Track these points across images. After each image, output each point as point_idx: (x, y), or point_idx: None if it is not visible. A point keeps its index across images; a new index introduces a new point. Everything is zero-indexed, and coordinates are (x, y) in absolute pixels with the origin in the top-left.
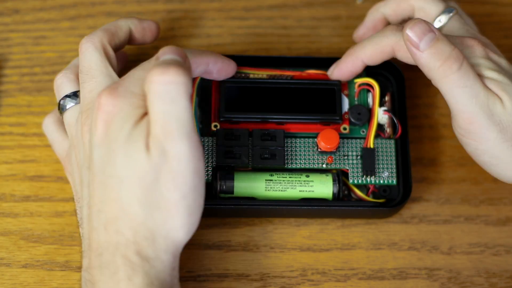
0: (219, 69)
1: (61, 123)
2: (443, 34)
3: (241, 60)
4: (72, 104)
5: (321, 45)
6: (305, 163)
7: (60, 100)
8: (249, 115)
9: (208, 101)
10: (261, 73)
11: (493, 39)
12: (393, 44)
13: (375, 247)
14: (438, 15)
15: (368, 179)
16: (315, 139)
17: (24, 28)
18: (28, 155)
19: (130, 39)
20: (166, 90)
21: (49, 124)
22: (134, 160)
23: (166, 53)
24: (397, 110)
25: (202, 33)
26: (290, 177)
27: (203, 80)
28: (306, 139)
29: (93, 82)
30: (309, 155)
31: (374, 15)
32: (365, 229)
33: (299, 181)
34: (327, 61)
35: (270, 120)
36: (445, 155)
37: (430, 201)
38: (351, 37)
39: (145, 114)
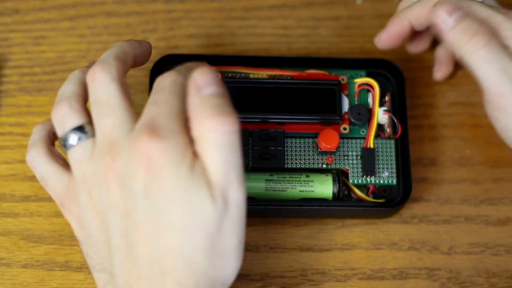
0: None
1: (53, 154)
2: (470, 13)
3: (241, 60)
4: (81, 139)
5: (321, 45)
6: (305, 163)
7: (64, 134)
8: (249, 115)
9: None
10: (261, 73)
11: None
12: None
13: (375, 247)
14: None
15: (368, 179)
16: (315, 139)
17: (24, 28)
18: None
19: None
20: (227, 140)
21: (38, 157)
22: (199, 209)
23: (208, 84)
24: (397, 110)
25: (202, 33)
26: (290, 177)
27: None
28: (306, 139)
29: (114, 118)
30: (309, 155)
31: (402, 23)
32: (365, 229)
33: (299, 181)
34: (327, 61)
35: (270, 120)
36: (445, 155)
37: (430, 201)
38: (351, 37)
39: (194, 154)
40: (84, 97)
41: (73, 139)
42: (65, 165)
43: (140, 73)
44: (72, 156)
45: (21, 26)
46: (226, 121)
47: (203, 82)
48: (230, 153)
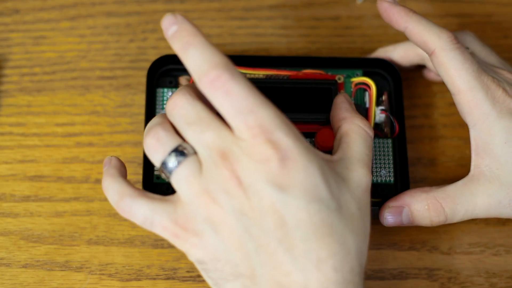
0: None
1: (146, 194)
2: None
3: (240, 60)
4: (182, 159)
5: (321, 45)
6: None
7: (164, 159)
8: None
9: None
10: (257, 73)
11: (493, 39)
12: (436, 48)
13: (375, 247)
14: None
15: None
16: (313, 139)
17: (24, 28)
18: (28, 155)
19: None
20: (368, 139)
21: (134, 204)
22: (344, 184)
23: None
24: (395, 109)
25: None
26: None
27: None
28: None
29: (213, 130)
30: None
31: (382, 56)
32: None
33: None
34: (324, 61)
35: None
36: (445, 155)
37: None
38: (351, 37)
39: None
40: (172, 125)
41: (173, 161)
42: (160, 197)
43: (140, 73)
44: (179, 177)
45: (21, 26)
46: (371, 128)
47: (346, 100)
48: (369, 150)
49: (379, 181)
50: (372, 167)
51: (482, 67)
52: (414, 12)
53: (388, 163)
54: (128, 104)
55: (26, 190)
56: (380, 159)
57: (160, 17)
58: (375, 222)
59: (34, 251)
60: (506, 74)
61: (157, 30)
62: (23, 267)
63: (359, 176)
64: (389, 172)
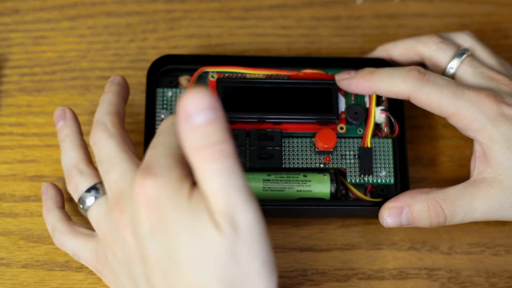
0: None
1: (75, 228)
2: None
3: (240, 60)
4: (94, 198)
5: (321, 45)
6: (302, 163)
7: (79, 198)
8: (246, 115)
9: None
10: (257, 73)
11: (493, 39)
12: (409, 92)
13: (375, 247)
14: (449, 61)
15: (366, 179)
16: (312, 139)
17: (24, 28)
18: (28, 155)
19: None
20: (222, 167)
21: (63, 238)
22: (204, 239)
23: (197, 111)
24: (394, 109)
25: (202, 33)
26: (287, 177)
27: (200, 80)
28: (303, 139)
29: (116, 171)
30: (306, 155)
31: (382, 54)
32: (365, 229)
33: (297, 181)
34: (324, 61)
35: (267, 120)
36: (445, 155)
37: None
38: (351, 37)
39: (193, 183)
40: (88, 159)
41: (89, 200)
42: (87, 233)
43: (140, 73)
44: (91, 217)
45: (21, 26)
46: (219, 150)
47: (192, 110)
48: (227, 178)
49: (379, 181)
50: (371, 168)
51: (474, 75)
52: (372, 70)
53: (388, 163)
54: (128, 104)
55: (26, 190)
56: (380, 159)
57: (160, 17)
58: (375, 222)
59: (34, 251)
60: (502, 79)
61: (157, 30)
62: (23, 267)
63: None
64: (389, 172)
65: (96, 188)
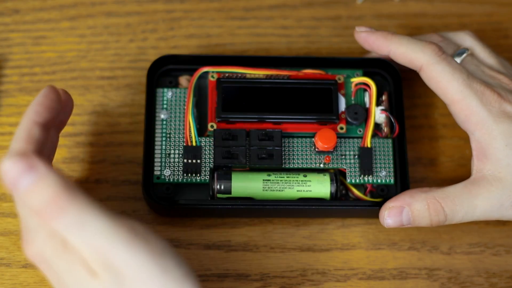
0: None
1: None
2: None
3: (240, 60)
4: None
5: (321, 45)
6: (302, 163)
7: None
8: (246, 115)
9: (204, 101)
10: (257, 73)
11: (493, 39)
12: (423, 63)
13: (375, 247)
14: None
15: (366, 179)
16: (312, 139)
17: (24, 28)
18: None
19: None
20: (70, 221)
21: None
22: None
23: (19, 178)
24: (394, 109)
25: (202, 33)
26: (287, 177)
27: (200, 80)
28: (303, 138)
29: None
30: (306, 155)
31: (382, 48)
32: (365, 229)
33: (297, 181)
34: (324, 61)
35: (267, 120)
36: (445, 155)
37: None
38: (351, 37)
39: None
40: None
41: None
42: None
43: (140, 73)
44: None
45: (21, 26)
46: (57, 207)
47: (14, 179)
48: (81, 227)
49: (379, 181)
50: (371, 167)
51: (475, 72)
52: (394, 33)
53: (388, 163)
54: (128, 104)
55: None
56: (380, 159)
57: (160, 17)
58: (375, 222)
59: None
60: (503, 78)
61: (157, 30)
62: (23, 267)
63: None
64: (389, 172)
65: None
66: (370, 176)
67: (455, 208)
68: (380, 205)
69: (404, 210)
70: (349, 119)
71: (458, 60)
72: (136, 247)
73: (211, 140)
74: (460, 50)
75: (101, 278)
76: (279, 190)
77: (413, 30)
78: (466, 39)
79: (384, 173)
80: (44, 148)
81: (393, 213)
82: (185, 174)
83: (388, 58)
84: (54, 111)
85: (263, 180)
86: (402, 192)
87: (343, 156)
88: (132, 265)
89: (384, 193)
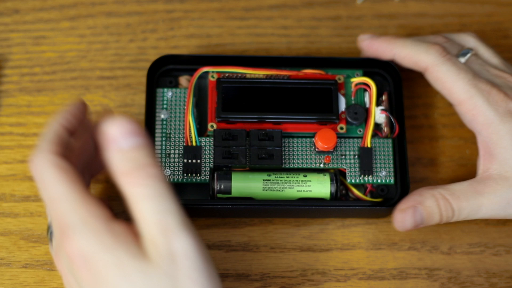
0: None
1: None
2: None
3: (240, 60)
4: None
5: (321, 45)
6: (302, 163)
7: (47, 228)
8: (246, 115)
9: (205, 101)
10: (257, 73)
11: (493, 39)
12: (428, 65)
13: (375, 247)
14: None
15: (366, 179)
16: (312, 139)
17: (24, 28)
18: (28, 155)
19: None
20: (153, 191)
21: None
22: (133, 274)
23: (125, 135)
24: (395, 109)
25: (202, 33)
26: (287, 177)
27: (200, 80)
28: (303, 138)
29: (50, 216)
30: (306, 155)
31: (386, 53)
32: (365, 229)
33: (297, 181)
34: (324, 61)
35: (267, 120)
36: (445, 155)
37: None
38: (351, 37)
39: (111, 217)
40: None
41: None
42: None
43: (140, 73)
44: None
45: (21, 26)
46: (148, 173)
47: (117, 135)
48: (160, 201)
49: (379, 181)
50: (371, 167)
51: (481, 72)
52: (397, 37)
53: (388, 163)
54: (128, 104)
55: (26, 190)
56: (380, 159)
57: (160, 17)
58: (375, 222)
59: (34, 251)
60: (508, 77)
61: (157, 30)
62: (23, 267)
63: None
64: (389, 172)
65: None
66: (370, 176)
67: (461, 205)
68: (380, 205)
69: (417, 209)
70: (349, 119)
71: (462, 60)
72: (194, 237)
73: (211, 140)
74: (464, 51)
75: (154, 261)
76: (279, 190)
77: (413, 30)
78: (469, 40)
79: (384, 173)
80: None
81: (408, 214)
82: (185, 174)
83: (391, 57)
84: (79, 121)
85: (263, 180)
86: (410, 194)
87: (343, 156)
88: (189, 255)
89: (384, 193)
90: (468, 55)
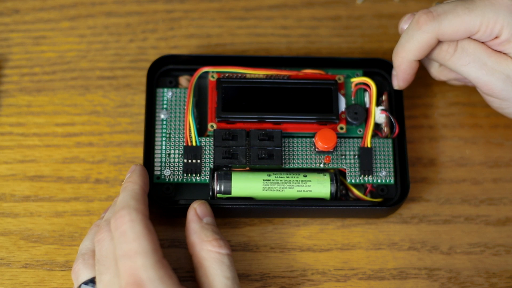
0: None
1: None
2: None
3: (240, 60)
4: None
5: (321, 45)
6: (302, 163)
7: (77, 287)
8: (246, 115)
9: (205, 101)
10: (257, 73)
11: None
12: (434, 37)
13: (375, 247)
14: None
15: (366, 179)
16: (312, 139)
17: (24, 28)
18: (28, 155)
19: None
20: (227, 260)
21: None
22: None
23: (206, 214)
24: (395, 109)
25: (202, 33)
26: (287, 177)
27: (200, 80)
28: (303, 138)
29: (109, 273)
30: (306, 155)
31: (408, 61)
32: (365, 229)
33: (297, 181)
34: (324, 61)
35: (267, 120)
36: (445, 155)
37: (430, 201)
38: (351, 37)
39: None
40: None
41: None
42: None
43: (140, 73)
44: None
45: (21, 26)
46: (224, 244)
47: (202, 212)
48: (229, 271)
49: (379, 181)
50: (371, 168)
51: None
52: (395, 53)
53: (388, 163)
54: (128, 104)
55: (26, 190)
56: (380, 159)
57: (160, 17)
58: (375, 222)
59: (34, 251)
60: None
61: (157, 30)
62: (23, 267)
63: None
64: (389, 172)
65: (95, 281)
66: (370, 176)
67: (467, 50)
68: (380, 205)
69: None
70: (349, 119)
71: None
72: None
73: (211, 140)
74: None
75: None
76: (279, 190)
77: None
78: None
79: (384, 173)
80: None
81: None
82: (185, 174)
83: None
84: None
85: (263, 180)
86: None
87: (343, 156)
88: None
89: (384, 193)
90: None
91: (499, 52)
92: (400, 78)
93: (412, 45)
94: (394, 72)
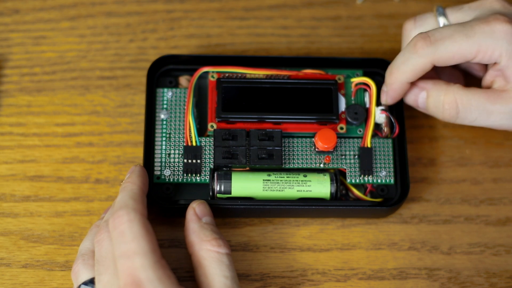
0: None
1: None
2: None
3: (240, 60)
4: None
5: (321, 45)
6: (302, 163)
7: (77, 287)
8: (246, 115)
9: (204, 101)
10: (257, 73)
11: None
12: (432, 61)
13: (375, 247)
14: (437, 20)
15: (366, 179)
16: (312, 139)
17: (24, 28)
18: (28, 155)
19: None
20: (226, 259)
21: None
22: None
23: (205, 214)
24: (394, 109)
25: (202, 33)
26: (287, 177)
27: (200, 80)
28: (303, 138)
29: (108, 274)
30: (306, 155)
31: (400, 82)
32: (365, 229)
33: (297, 181)
34: (324, 61)
35: (267, 120)
36: (445, 155)
37: (430, 201)
38: (351, 37)
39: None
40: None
41: None
42: None
43: (140, 73)
44: None
45: (21, 26)
46: (223, 243)
47: (201, 212)
48: (228, 270)
49: (379, 181)
50: (371, 168)
51: (466, 18)
52: (389, 73)
53: (388, 163)
54: (128, 104)
55: (26, 190)
56: (380, 159)
57: (160, 17)
58: (375, 222)
59: (34, 251)
60: (485, 1)
61: (157, 30)
62: (23, 267)
63: None
64: (389, 172)
65: (94, 282)
66: (370, 176)
67: (470, 107)
68: (380, 205)
69: (421, 94)
70: (349, 119)
71: (442, 17)
72: None
73: (211, 140)
74: (436, 9)
75: None
76: (279, 190)
77: None
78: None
79: (384, 173)
80: None
81: (412, 92)
82: (185, 174)
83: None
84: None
85: (263, 180)
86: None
87: (343, 156)
88: None
89: (384, 193)
90: (441, 9)
91: (501, 91)
92: (390, 96)
93: (407, 68)
94: (384, 88)
